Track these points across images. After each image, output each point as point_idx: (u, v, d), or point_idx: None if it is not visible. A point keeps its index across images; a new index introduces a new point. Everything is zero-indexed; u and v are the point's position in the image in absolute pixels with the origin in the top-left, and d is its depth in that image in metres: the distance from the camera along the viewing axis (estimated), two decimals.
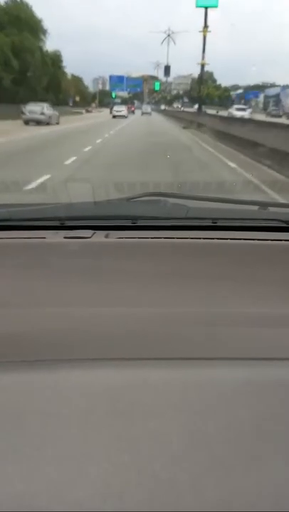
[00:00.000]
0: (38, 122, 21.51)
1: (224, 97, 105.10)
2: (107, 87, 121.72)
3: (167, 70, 61.76)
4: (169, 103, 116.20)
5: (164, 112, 57.74)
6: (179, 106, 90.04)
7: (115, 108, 42.54)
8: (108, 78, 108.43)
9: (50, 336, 0.62)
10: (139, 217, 1.01)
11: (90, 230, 0.94)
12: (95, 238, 0.92)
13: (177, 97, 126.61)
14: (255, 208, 1.12)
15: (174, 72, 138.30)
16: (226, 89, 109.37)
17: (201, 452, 0.41)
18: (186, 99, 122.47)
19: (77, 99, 74.12)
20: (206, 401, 0.48)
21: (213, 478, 0.39)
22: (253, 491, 0.38)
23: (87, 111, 72.62)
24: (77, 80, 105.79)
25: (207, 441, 0.42)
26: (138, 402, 0.47)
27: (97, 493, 0.37)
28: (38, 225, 0.98)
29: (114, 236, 0.94)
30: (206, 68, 44.80)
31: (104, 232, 0.95)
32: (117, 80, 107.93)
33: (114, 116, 37.77)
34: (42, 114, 22.05)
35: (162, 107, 76.64)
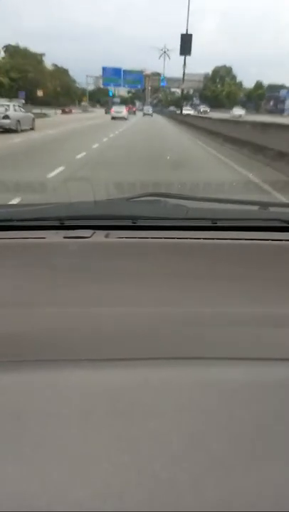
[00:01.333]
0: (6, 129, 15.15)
1: (256, 96, 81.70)
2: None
3: (187, 41, 32.94)
4: (175, 104, 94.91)
5: (189, 124, 24.85)
6: (207, 110, 64.18)
7: (114, 108, 38.09)
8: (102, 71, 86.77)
9: (50, 336, 0.62)
10: (139, 217, 1.00)
11: (90, 230, 0.95)
12: (94, 238, 0.92)
13: (186, 98, 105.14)
14: (256, 208, 1.11)
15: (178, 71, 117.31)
16: (259, 86, 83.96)
17: (201, 452, 0.41)
18: (196, 100, 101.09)
19: (40, 93, 51.69)
20: (206, 401, 0.48)
21: (213, 478, 0.39)
22: (253, 491, 0.38)
23: (65, 112, 50.87)
24: (60, 72, 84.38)
25: (207, 441, 0.42)
26: (138, 402, 0.47)
27: (97, 493, 0.37)
28: (37, 225, 0.98)
29: (114, 236, 0.94)
30: (224, 62, 29.86)
31: (104, 232, 0.95)
32: (112, 73, 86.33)
33: (113, 118, 33.58)
34: (6, 117, 15.36)
35: (189, 110, 49.32)
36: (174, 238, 0.93)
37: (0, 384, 0.50)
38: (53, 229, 0.96)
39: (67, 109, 52.15)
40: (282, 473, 0.40)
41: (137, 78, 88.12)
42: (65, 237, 0.92)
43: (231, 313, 0.69)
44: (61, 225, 0.97)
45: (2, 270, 0.83)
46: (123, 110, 37.21)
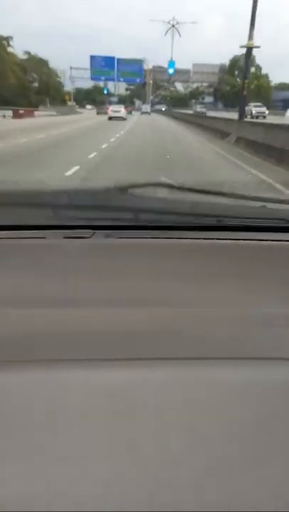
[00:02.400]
0: None
1: None
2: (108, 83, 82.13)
3: None
4: (183, 104, 76.27)
5: None
6: (265, 111, 34.85)
7: (112, 108, 35.68)
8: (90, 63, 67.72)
9: (50, 335, 0.62)
10: (141, 213, 0.98)
11: (90, 230, 0.93)
12: (94, 238, 0.91)
13: (195, 95, 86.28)
14: (261, 204, 1.08)
15: (186, 63, 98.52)
16: None
17: (201, 452, 0.41)
18: (208, 98, 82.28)
19: None
20: (206, 401, 0.48)
21: (213, 478, 0.39)
22: (253, 491, 0.38)
23: (18, 115, 32.11)
24: (34, 63, 65.55)
25: (207, 442, 0.42)
26: (138, 402, 0.47)
27: (97, 493, 0.37)
28: (37, 225, 0.96)
29: (115, 236, 0.93)
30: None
31: (105, 232, 0.93)
32: (103, 64, 67.68)
33: (110, 118, 31.97)
34: None
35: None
36: (175, 238, 0.92)
37: (0, 384, 0.50)
38: (53, 229, 0.94)
39: (21, 111, 33.42)
40: (282, 474, 0.40)
41: (135, 69, 69.37)
42: (64, 237, 0.90)
43: (231, 313, 0.69)
44: (61, 224, 0.95)
45: (1, 270, 0.82)
46: (121, 109, 34.53)
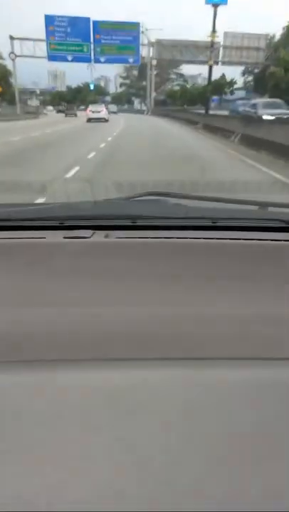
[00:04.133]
0: None
1: None
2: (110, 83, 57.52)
3: None
4: (192, 102, 48.43)
5: None
6: None
7: (91, 108, 32.23)
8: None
9: (50, 335, 0.63)
10: (139, 217, 1.01)
11: (90, 230, 0.95)
12: (94, 238, 0.93)
13: (220, 85, 57.50)
14: (255, 208, 1.13)
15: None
16: None
17: (201, 452, 0.42)
18: (241, 93, 53.68)
19: None
20: (206, 401, 0.48)
21: (213, 478, 0.39)
22: (253, 490, 0.38)
23: None
24: None
25: (207, 441, 0.43)
26: (138, 402, 0.48)
27: (97, 493, 0.38)
28: (37, 225, 0.99)
29: (114, 236, 0.94)
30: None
31: (104, 232, 0.96)
32: (69, 31, 39.37)
33: (89, 120, 28.97)
34: None
35: None
36: (173, 238, 0.93)
37: (0, 384, 0.50)
38: (53, 229, 0.96)
39: None
40: (282, 473, 0.40)
41: (127, 41, 40.66)
42: (64, 237, 0.92)
43: (231, 313, 0.70)
44: (61, 225, 0.97)
45: (2, 270, 0.83)
46: (102, 109, 30.96)
